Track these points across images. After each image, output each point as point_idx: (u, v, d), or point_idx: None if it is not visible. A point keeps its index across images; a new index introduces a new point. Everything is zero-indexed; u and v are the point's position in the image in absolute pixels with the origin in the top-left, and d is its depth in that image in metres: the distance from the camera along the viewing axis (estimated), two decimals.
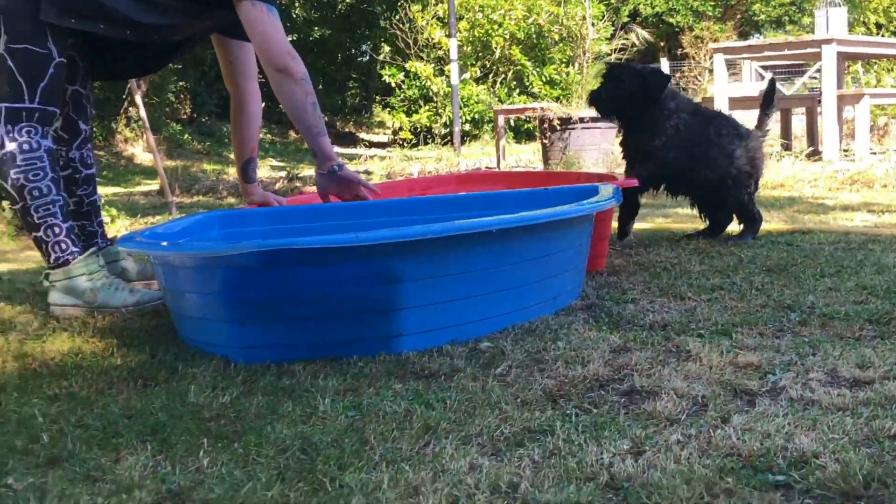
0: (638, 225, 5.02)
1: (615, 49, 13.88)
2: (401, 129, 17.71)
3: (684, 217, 5.43)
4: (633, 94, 4.12)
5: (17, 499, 1.62)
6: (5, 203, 5.63)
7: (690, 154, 4.07)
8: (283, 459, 1.76)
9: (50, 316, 3.10)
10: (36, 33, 3.02)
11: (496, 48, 17.31)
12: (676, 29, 26.60)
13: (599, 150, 8.99)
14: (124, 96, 14.93)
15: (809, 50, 9.86)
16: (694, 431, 1.82)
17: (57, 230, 3.09)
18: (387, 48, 22.27)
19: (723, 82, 9.89)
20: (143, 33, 3.20)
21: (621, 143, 4.38)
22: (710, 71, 14.69)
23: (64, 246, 3.11)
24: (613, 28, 15.28)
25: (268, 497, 1.58)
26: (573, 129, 9.07)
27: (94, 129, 3.23)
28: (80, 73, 3.35)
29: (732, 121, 4.29)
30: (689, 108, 4.17)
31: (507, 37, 17.21)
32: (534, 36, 17.27)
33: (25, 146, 3.03)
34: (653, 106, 4.09)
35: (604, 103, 4.26)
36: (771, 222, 4.92)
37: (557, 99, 14.20)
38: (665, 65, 19.01)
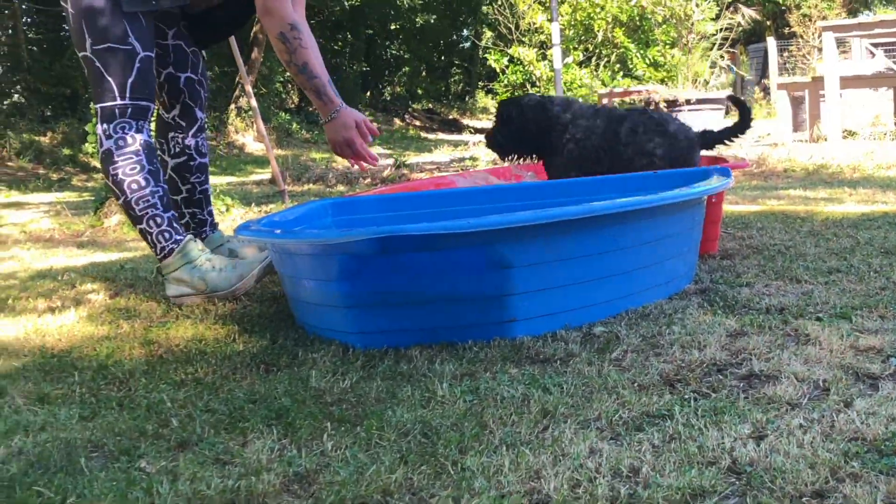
0: (750, 208, 4.96)
1: (721, 29, 13.63)
2: None
3: (797, 199, 5.34)
4: (524, 130, 3.95)
5: (150, 481, 1.67)
6: None
7: (598, 160, 3.82)
8: (404, 443, 1.79)
9: (172, 304, 3.19)
10: (117, 32, 3.09)
11: (598, 31, 17.13)
12: (783, 7, 25.97)
13: None
14: (235, 86, 15.24)
15: None
16: (816, 416, 1.80)
17: (159, 220, 3.17)
18: (489, 33, 22.26)
19: (833, 61, 9.65)
20: None
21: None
22: (819, 49, 14.33)
23: (167, 235, 3.18)
24: (718, 7, 15.00)
25: (392, 480, 1.61)
26: (680, 111, 8.97)
27: (206, 119, 3.26)
28: (189, 60, 3.44)
29: (655, 117, 3.86)
30: (587, 113, 3.88)
31: (610, 19, 17.01)
32: (637, 17, 17.05)
33: (121, 142, 3.12)
34: (550, 130, 3.89)
35: (502, 147, 4.09)
36: (888, 203, 4.81)
37: (662, 81, 14.03)
38: (772, 44, 18.56)
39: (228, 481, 1.65)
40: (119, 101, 3.11)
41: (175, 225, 3.21)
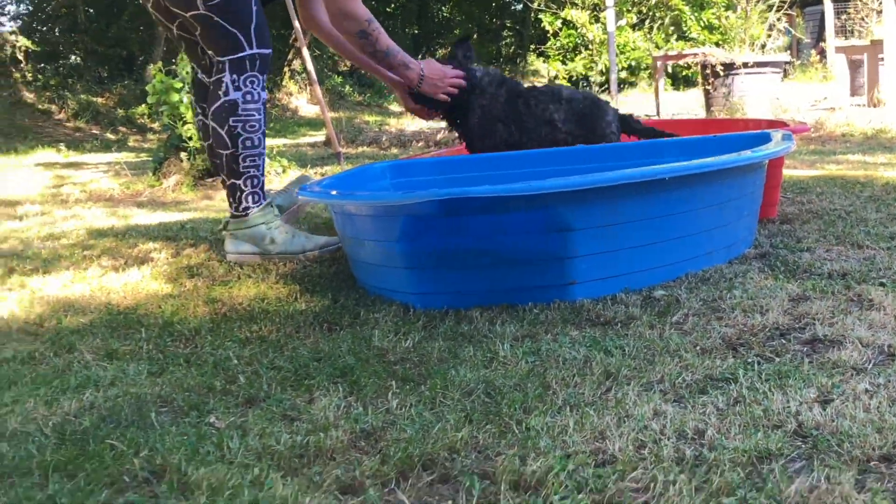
0: (809, 172, 4.91)
1: None
2: (556, 77, 17.55)
3: (856, 164, 5.28)
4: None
5: (220, 436, 1.70)
6: (183, 154, 5.87)
7: (505, 125, 3.64)
8: (468, 402, 1.81)
9: (232, 264, 3.23)
10: None
11: None
12: None
13: (765, 95, 8.73)
14: (289, 49, 15.28)
15: None
16: (882, 381, 1.79)
17: (255, 182, 3.22)
18: None
19: (893, 24, 9.44)
20: None
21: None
22: (878, 12, 14.03)
23: (255, 197, 3.23)
24: None
25: (458, 438, 1.63)
26: (737, 74, 8.84)
27: None
28: None
29: (546, 91, 3.69)
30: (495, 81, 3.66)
31: None
32: None
33: (248, 97, 3.14)
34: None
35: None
36: None
37: (717, 44, 13.83)
38: (829, 7, 18.21)
39: (297, 437, 1.68)
40: (248, 51, 3.12)
41: (263, 190, 3.27)
